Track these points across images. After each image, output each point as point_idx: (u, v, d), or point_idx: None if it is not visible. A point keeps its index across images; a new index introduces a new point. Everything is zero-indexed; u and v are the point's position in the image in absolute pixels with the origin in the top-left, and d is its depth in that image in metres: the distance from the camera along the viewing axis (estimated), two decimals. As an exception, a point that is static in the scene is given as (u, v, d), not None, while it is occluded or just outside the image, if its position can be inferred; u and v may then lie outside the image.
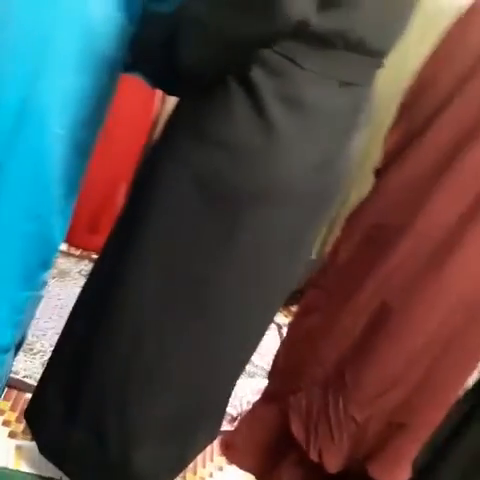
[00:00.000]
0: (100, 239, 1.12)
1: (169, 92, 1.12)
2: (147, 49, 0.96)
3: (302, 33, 0.84)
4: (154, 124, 2.05)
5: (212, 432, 1.25)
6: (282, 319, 2.20)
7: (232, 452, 1.53)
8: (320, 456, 1.36)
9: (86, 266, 2.12)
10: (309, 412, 1.37)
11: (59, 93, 0.87)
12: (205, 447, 1.27)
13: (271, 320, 1.15)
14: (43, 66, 0.84)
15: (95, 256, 2.03)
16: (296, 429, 1.38)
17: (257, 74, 0.87)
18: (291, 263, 1.05)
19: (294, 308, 1.99)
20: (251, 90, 0.87)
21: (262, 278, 1.01)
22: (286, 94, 0.88)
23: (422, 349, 1.24)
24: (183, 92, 0.98)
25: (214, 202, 0.93)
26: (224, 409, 1.25)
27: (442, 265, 1.17)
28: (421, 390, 1.28)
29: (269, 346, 1.68)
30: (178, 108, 0.99)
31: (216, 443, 1.52)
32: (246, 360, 1.18)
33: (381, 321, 1.24)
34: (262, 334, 1.14)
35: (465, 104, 1.15)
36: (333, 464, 1.34)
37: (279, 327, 2.18)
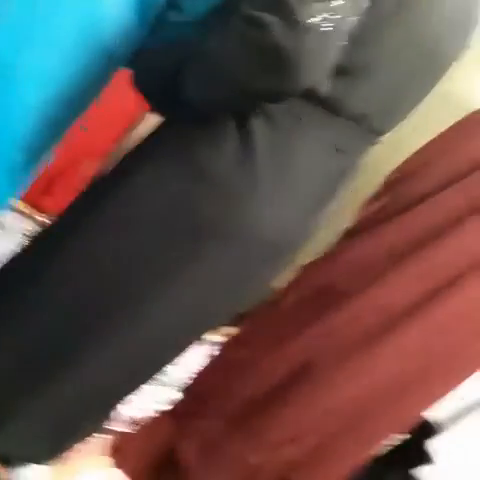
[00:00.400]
0: (51, 201, 1.11)
1: (156, 109, 1.07)
2: (154, 66, 0.95)
3: (311, 96, 0.85)
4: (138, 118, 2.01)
5: (96, 425, 1.26)
6: (217, 338, 2.17)
7: (119, 455, 1.51)
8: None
9: (29, 226, 2.05)
10: (205, 439, 1.36)
11: (43, 69, 0.86)
12: (88, 436, 1.27)
13: (188, 346, 1.18)
14: (33, 39, 0.83)
15: (39, 218, 1.98)
16: (185, 450, 1.37)
17: (256, 121, 0.87)
18: (231, 302, 1.07)
19: (232, 330, 1.97)
20: (246, 134, 0.88)
21: (197, 309, 1.02)
22: (279, 147, 0.89)
23: (330, 416, 1.23)
24: (175, 114, 0.97)
25: (178, 228, 0.93)
26: (115, 406, 1.25)
27: (375, 344, 1.17)
28: (317, 455, 1.27)
29: (193, 361, 1.66)
30: (166, 126, 0.98)
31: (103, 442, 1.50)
32: (153, 374, 1.19)
33: (300, 377, 1.24)
34: (177, 355, 1.17)
35: (453, 198, 1.16)
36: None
37: (211, 344, 2.16)
